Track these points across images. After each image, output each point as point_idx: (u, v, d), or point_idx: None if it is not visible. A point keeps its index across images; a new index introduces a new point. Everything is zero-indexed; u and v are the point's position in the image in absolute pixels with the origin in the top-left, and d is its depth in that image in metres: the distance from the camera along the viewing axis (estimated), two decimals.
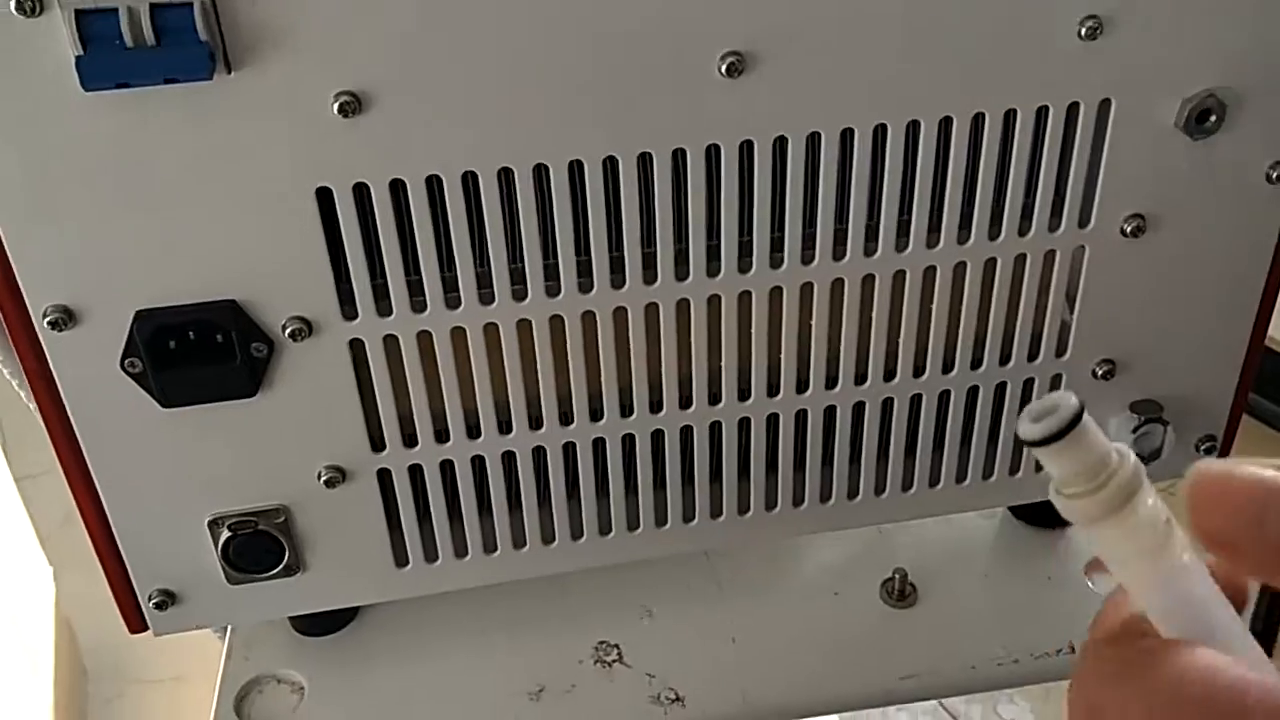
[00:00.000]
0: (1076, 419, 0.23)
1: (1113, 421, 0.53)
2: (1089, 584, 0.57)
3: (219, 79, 0.38)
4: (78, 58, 0.36)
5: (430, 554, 0.50)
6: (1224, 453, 0.55)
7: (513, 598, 0.56)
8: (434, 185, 0.42)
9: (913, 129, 0.44)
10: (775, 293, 0.47)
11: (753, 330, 0.47)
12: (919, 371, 0.50)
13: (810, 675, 0.52)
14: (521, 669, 0.53)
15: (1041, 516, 0.60)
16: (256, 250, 0.42)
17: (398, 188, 0.42)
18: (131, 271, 0.41)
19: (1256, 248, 0.49)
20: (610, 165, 0.43)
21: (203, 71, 0.37)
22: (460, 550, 0.51)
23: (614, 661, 0.53)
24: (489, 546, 0.51)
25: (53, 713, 1.24)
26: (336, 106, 0.39)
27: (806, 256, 0.46)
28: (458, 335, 0.45)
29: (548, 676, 0.53)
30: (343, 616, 0.56)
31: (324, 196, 0.41)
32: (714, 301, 0.46)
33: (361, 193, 0.41)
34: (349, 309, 0.44)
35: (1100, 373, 0.51)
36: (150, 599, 0.49)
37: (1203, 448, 0.54)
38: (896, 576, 0.56)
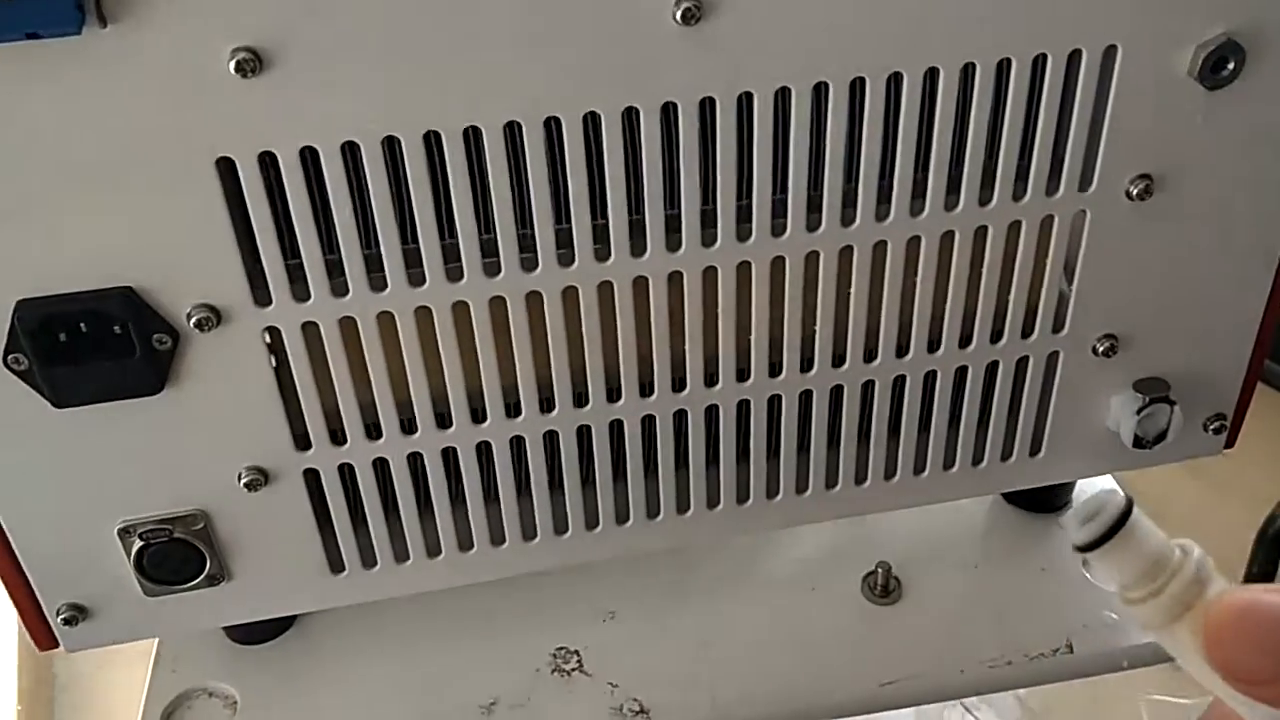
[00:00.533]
0: (1125, 516, 0.22)
1: (1115, 401, 0.48)
2: (1087, 575, 0.52)
3: (91, 33, 0.33)
4: None
5: (368, 559, 0.46)
6: (1234, 433, 0.51)
7: (463, 601, 0.51)
8: (351, 153, 0.37)
9: (893, 83, 0.39)
10: (743, 269, 0.42)
11: (719, 310, 0.43)
12: (902, 351, 0.45)
13: (785, 682, 0.48)
14: (473, 679, 0.49)
15: (1035, 501, 0.55)
16: (152, 230, 0.37)
17: (309, 156, 0.37)
18: (8, 256, 0.36)
19: (1272, 210, 0.45)
20: (553, 127, 0.38)
21: (70, 25, 0.32)
22: (400, 555, 0.46)
23: (573, 670, 0.49)
24: (432, 550, 0.46)
25: (18, 697, 1.20)
26: (233, 65, 0.34)
27: (776, 227, 0.41)
28: (385, 321, 0.40)
29: (501, 687, 0.49)
30: (279, 623, 0.51)
31: (227, 168, 0.36)
32: (675, 279, 0.42)
33: (268, 163, 0.36)
34: (261, 294, 0.39)
35: (1101, 349, 0.47)
36: (58, 614, 0.44)
37: (1211, 427, 0.50)
38: (879, 571, 0.52)
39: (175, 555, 0.44)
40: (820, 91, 0.39)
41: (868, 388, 0.46)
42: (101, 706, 1.24)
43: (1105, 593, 0.51)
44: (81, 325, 0.38)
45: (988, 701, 1.20)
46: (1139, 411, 0.47)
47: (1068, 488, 0.56)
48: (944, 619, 0.50)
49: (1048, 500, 0.55)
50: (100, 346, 0.38)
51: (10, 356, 0.38)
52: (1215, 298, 0.46)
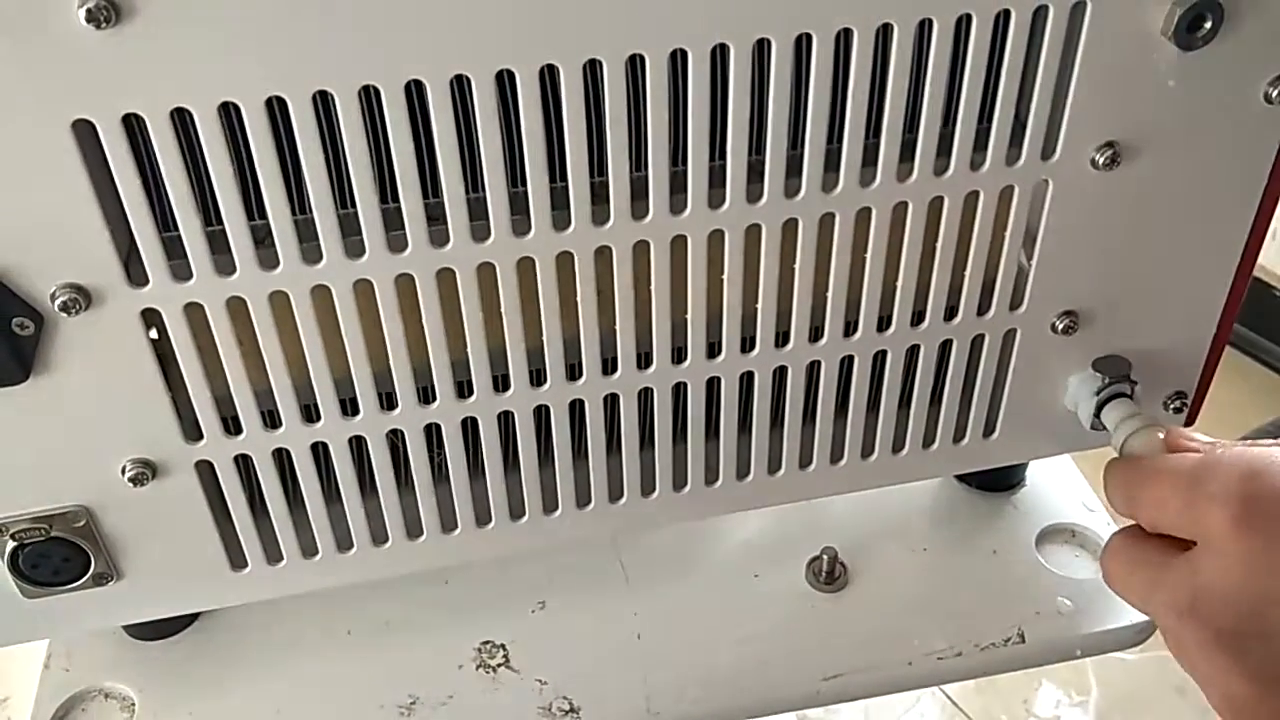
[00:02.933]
0: None
1: (1073, 380, 0.45)
2: (1039, 559, 0.50)
3: None
4: None
5: (272, 555, 0.42)
6: (1194, 411, 0.48)
7: (383, 591, 0.48)
8: (231, 114, 0.33)
9: (843, 40, 0.35)
10: (677, 243, 0.38)
11: (653, 287, 0.39)
12: (850, 329, 0.42)
13: (725, 676, 0.46)
14: (391, 677, 0.46)
15: (988, 480, 0.53)
16: (5, 203, 0.32)
17: (182, 119, 0.32)
18: None
19: (1245, 179, 0.42)
20: (459, 86, 0.33)
21: None
22: (308, 549, 0.42)
23: (499, 665, 0.46)
24: (343, 544, 0.43)
25: None
26: (84, 14, 0.29)
27: (714, 199, 0.37)
28: (279, 301, 0.36)
29: (421, 685, 0.46)
30: (181, 619, 0.48)
31: (87, 132, 0.32)
32: (603, 254, 0.38)
33: (134, 126, 0.32)
34: (137, 273, 0.35)
35: (1061, 326, 0.44)
36: None
37: (1172, 406, 0.48)
38: (825, 556, 0.49)
39: (55, 555, 0.40)
40: (762, 49, 0.35)
41: (813, 368, 0.43)
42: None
43: (1059, 577, 0.49)
44: None
45: None
46: (1098, 393, 0.45)
47: (1021, 466, 0.53)
48: (891, 607, 0.48)
49: (1000, 479, 0.53)
50: None
51: None
52: (1182, 272, 0.44)
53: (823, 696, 0.45)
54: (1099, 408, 0.45)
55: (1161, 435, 0.39)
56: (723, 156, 0.37)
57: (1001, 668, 0.47)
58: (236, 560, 0.42)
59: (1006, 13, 0.36)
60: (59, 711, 0.45)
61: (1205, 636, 0.33)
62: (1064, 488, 0.53)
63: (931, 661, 0.46)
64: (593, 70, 0.34)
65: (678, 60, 0.34)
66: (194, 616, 0.48)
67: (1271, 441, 0.35)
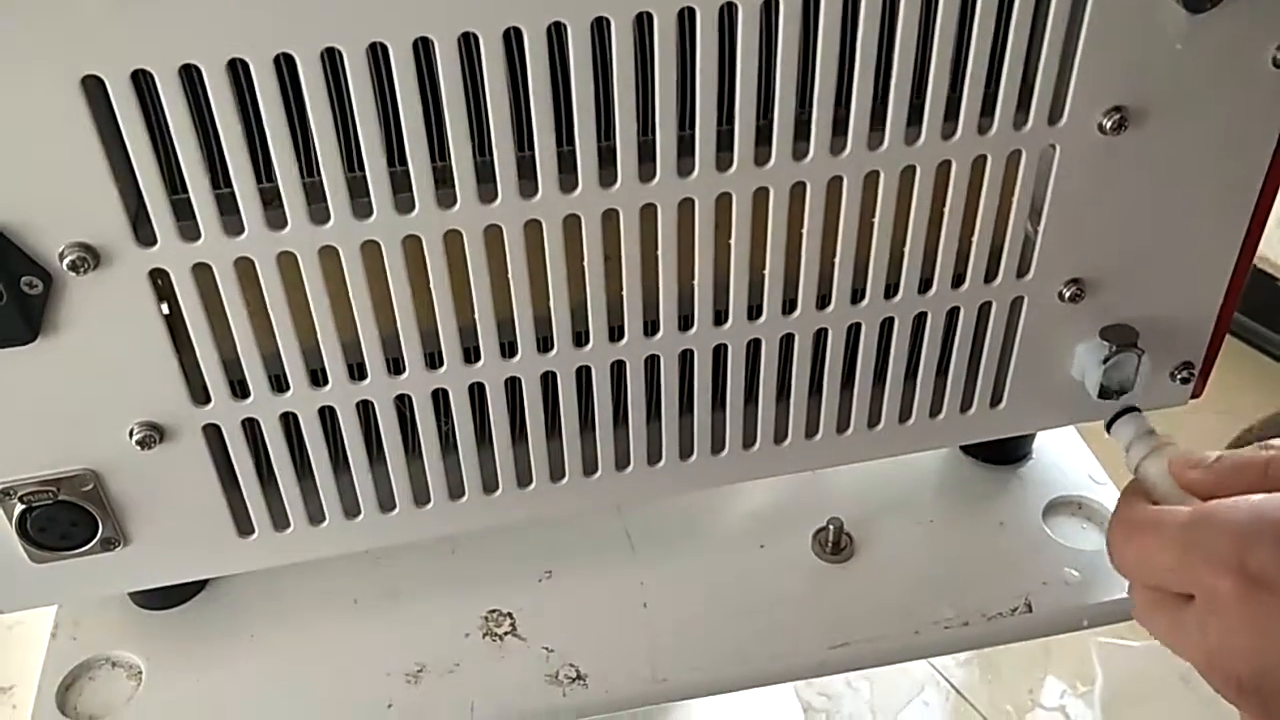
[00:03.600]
0: None
1: (1080, 349, 0.45)
2: (1046, 530, 0.50)
3: None
4: None
5: (279, 521, 0.42)
6: (1201, 383, 0.48)
7: (390, 559, 0.48)
8: (239, 72, 0.33)
9: (850, 1, 0.35)
10: (684, 206, 0.38)
11: (659, 251, 0.39)
12: (858, 296, 0.42)
13: (730, 645, 0.46)
14: (398, 645, 0.46)
15: (994, 453, 0.53)
16: (15, 161, 0.32)
17: (190, 76, 0.32)
18: None
19: (1253, 146, 0.42)
20: (467, 44, 0.33)
21: None
22: (315, 516, 0.42)
23: (506, 633, 0.46)
24: (350, 511, 0.43)
25: None
26: None
27: (722, 161, 0.37)
28: (287, 262, 0.36)
29: (428, 653, 0.46)
30: (189, 587, 0.48)
31: (96, 89, 0.32)
32: (610, 217, 0.38)
33: (143, 83, 0.32)
34: (145, 232, 0.35)
35: (1068, 295, 0.44)
36: None
37: (1179, 376, 0.47)
38: (831, 527, 0.49)
39: (63, 519, 0.40)
40: (769, 9, 0.35)
41: (820, 336, 0.43)
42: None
43: (1066, 549, 0.49)
44: None
45: None
46: (1105, 361, 0.45)
47: (1028, 439, 0.53)
48: (898, 577, 0.48)
49: (1007, 452, 0.53)
50: None
51: None
52: (1188, 240, 0.43)
53: (829, 665, 0.45)
54: (1106, 375, 0.45)
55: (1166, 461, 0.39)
56: (730, 121, 0.37)
57: (1008, 638, 0.47)
58: (244, 526, 0.42)
59: None
60: (66, 680, 0.45)
61: (1231, 689, 0.34)
62: (1071, 461, 0.53)
63: (939, 631, 0.46)
64: (600, 30, 0.34)
65: (685, 20, 0.34)
66: (200, 586, 0.48)
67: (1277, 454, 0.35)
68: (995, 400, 0.46)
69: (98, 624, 0.47)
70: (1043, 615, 0.47)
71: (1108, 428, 0.44)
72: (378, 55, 0.33)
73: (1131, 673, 1.03)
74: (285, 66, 0.33)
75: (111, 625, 0.47)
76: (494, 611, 0.47)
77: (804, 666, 0.45)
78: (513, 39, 0.33)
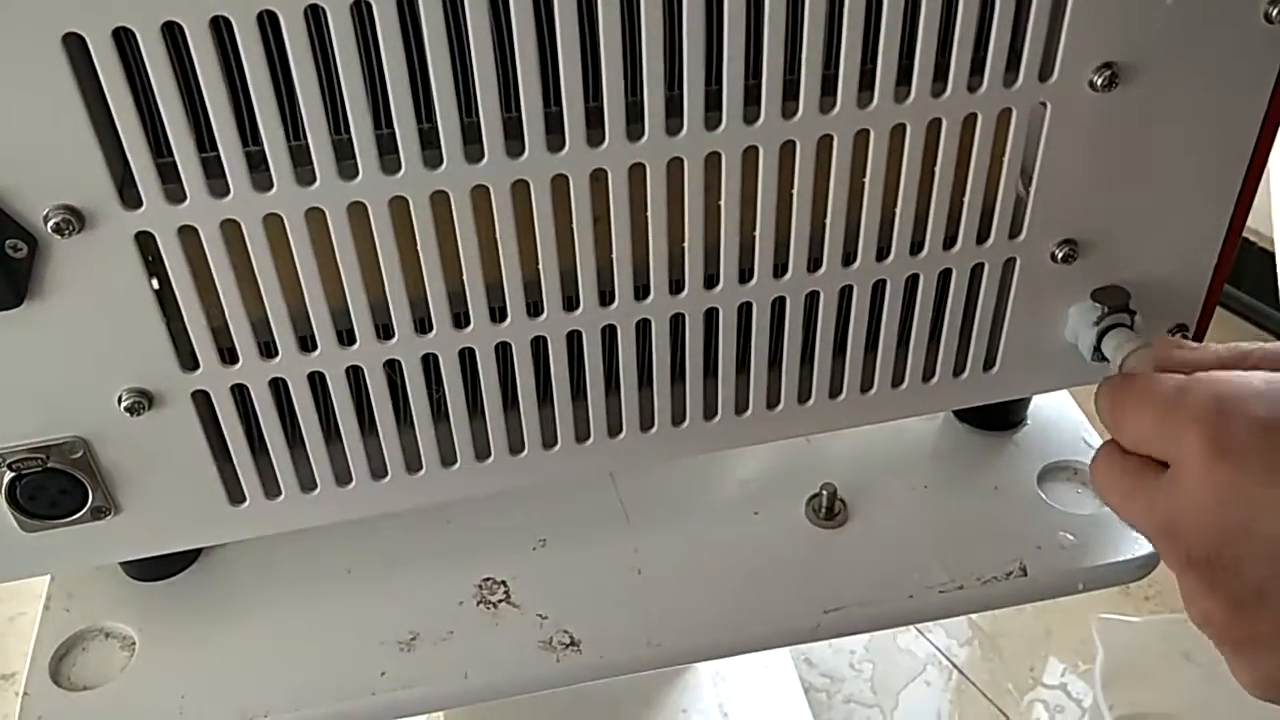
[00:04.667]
0: None
1: (1073, 312, 0.45)
2: (1040, 495, 0.50)
3: None
4: None
5: (270, 489, 0.42)
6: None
7: (382, 528, 0.48)
8: (224, 29, 0.32)
9: None
10: (674, 166, 0.38)
11: (648, 214, 0.39)
12: (849, 259, 0.42)
13: (724, 611, 0.46)
14: (391, 613, 0.46)
15: (988, 418, 0.53)
16: None
17: (173, 33, 0.32)
18: None
19: (1246, 102, 0.41)
20: (452, 2, 0.33)
21: None
22: (306, 484, 0.42)
23: (500, 601, 0.46)
24: (342, 478, 0.43)
25: None
26: None
27: (711, 120, 0.37)
28: (273, 224, 0.36)
29: (421, 621, 0.46)
30: (181, 558, 0.48)
31: (78, 46, 0.32)
32: (599, 178, 0.38)
33: (126, 40, 0.32)
34: (130, 194, 0.34)
35: (1060, 255, 0.43)
36: None
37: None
38: (824, 493, 0.49)
39: (52, 487, 0.40)
40: None
41: (811, 299, 0.43)
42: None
43: (1061, 513, 0.49)
44: None
45: (939, 623, 1.20)
46: (1097, 323, 0.44)
47: (1022, 404, 0.53)
48: (891, 542, 0.48)
49: (1002, 417, 0.53)
50: None
51: None
52: (1181, 199, 0.43)
53: (823, 630, 0.45)
54: (1099, 338, 0.44)
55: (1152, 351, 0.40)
56: (717, 82, 0.37)
57: (1003, 602, 0.46)
58: (235, 495, 0.42)
59: None
60: (60, 650, 0.45)
61: (1180, 559, 0.33)
62: (1065, 426, 0.53)
63: (933, 595, 0.46)
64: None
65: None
66: (193, 557, 0.48)
67: (1261, 350, 0.35)
68: (989, 364, 0.46)
69: (91, 595, 0.47)
70: (1038, 579, 0.47)
71: (1096, 344, 0.44)
72: (361, 13, 0.33)
73: (1132, 649, 1.03)
74: (269, 25, 0.32)
75: (104, 597, 0.47)
76: (488, 580, 0.47)
77: (798, 631, 0.45)
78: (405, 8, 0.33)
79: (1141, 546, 0.48)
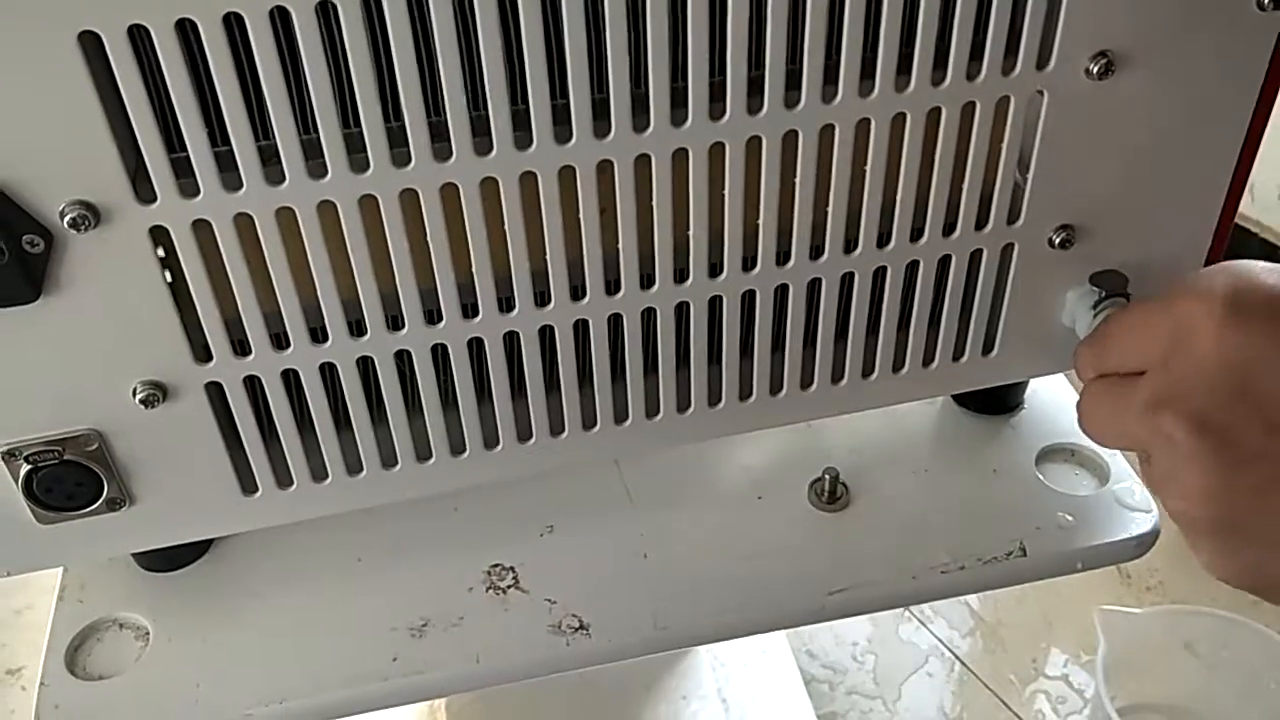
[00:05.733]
0: None
1: (1070, 296, 0.46)
2: (1039, 477, 0.51)
3: None
4: None
5: (282, 479, 0.43)
6: None
7: (391, 518, 0.49)
8: (235, 24, 0.33)
9: None
10: (678, 157, 0.38)
11: (654, 203, 0.39)
12: (851, 246, 0.43)
13: (731, 593, 0.46)
14: (402, 600, 0.46)
15: (987, 402, 0.53)
16: (13, 119, 0.33)
17: (187, 30, 0.32)
18: None
19: (1239, 89, 0.42)
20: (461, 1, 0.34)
21: None
22: (318, 473, 0.43)
23: (509, 587, 0.47)
24: (352, 468, 0.43)
25: None
26: None
27: (715, 111, 0.38)
28: (286, 218, 0.36)
29: (432, 607, 0.46)
30: (193, 549, 0.48)
31: (93, 44, 0.32)
32: (605, 168, 0.38)
33: (140, 38, 0.32)
34: (145, 189, 0.35)
35: (1058, 241, 0.44)
36: None
37: None
38: (826, 477, 0.50)
39: (68, 479, 0.40)
40: None
41: (814, 286, 0.44)
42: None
43: (1059, 494, 0.50)
44: None
45: (941, 615, 1.21)
46: (1095, 306, 0.45)
47: (1020, 388, 0.54)
48: (894, 525, 0.49)
49: (999, 401, 0.53)
50: None
51: None
52: (1176, 185, 0.44)
53: (827, 611, 0.46)
54: (1094, 322, 0.45)
55: None
56: (723, 72, 0.37)
57: (1004, 581, 0.47)
58: (247, 485, 0.43)
59: None
60: (74, 641, 0.46)
61: (1183, 426, 0.34)
62: (1062, 409, 0.54)
63: (935, 575, 0.47)
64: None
65: None
66: (204, 549, 0.49)
67: None
68: (987, 348, 0.47)
69: (104, 587, 0.47)
70: (1037, 558, 0.48)
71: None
72: (371, 9, 0.33)
73: (1133, 640, 1.04)
74: (280, 20, 0.33)
75: (117, 588, 0.47)
76: (497, 566, 0.48)
77: (802, 613, 0.46)
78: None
79: (1139, 525, 0.49)
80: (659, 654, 0.46)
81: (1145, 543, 0.48)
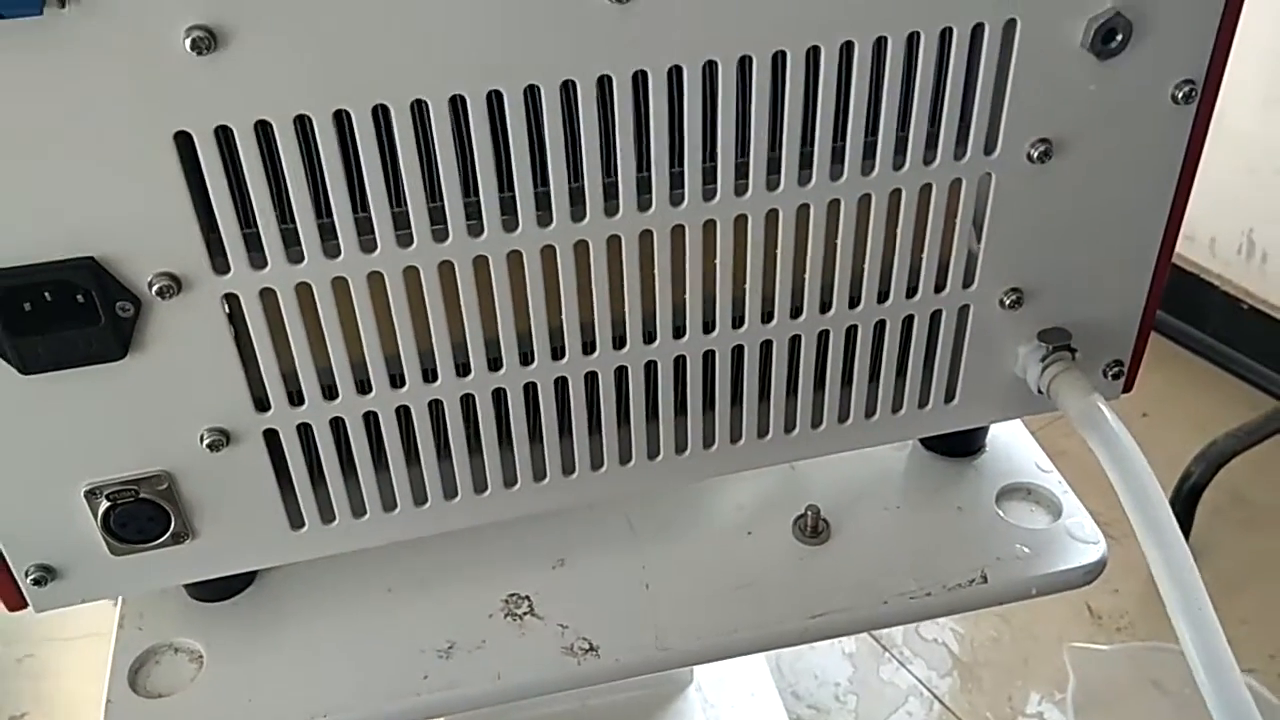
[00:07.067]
0: None
1: (1021, 350, 0.52)
2: (998, 513, 0.57)
3: (51, 13, 0.34)
4: None
5: (326, 514, 0.48)
6: (1130, 378, 0.55)
7: (418, 552, 0.54)
8: (304, 125, 0.39)
9: (813, 56, 0.42)
10: (677, 232, 0.45)
11: (655, 271, 0.45)
12: (826, 307, 0.49)
13: (724, 617, 0.52)
14: (430, 626, 0.52)
15: (951, 446, 0.59)
16: (113, 202, 0.39)
17: (263, 129, 0.39)
18: None
19: (1162, 168, 0.49)
20: (495, 99, 0.40)
21: (32, 6, 0.34)
22: (358, 510, 0.48)
23: (525, 614, 0.52)
24: (388, 504, 0.49)
25: None
26: (189, 42, 0.36)
27: (708, 193, 0.44)
28: (339, 286, 0.42)
29: (457, 632, 0.51)
30: (240, 580, 0.53)
31: (184, 142, 0.38)
32: (613, 243, 0.44)
33: (224, 136, 0.38)
34: (220, 262, 0.41)
35: (1008, 302, 0.50)
36: (27, 575, 0.46)
37: (1110, 373, 0.54)
38: (809, 513, 0.55)
39: (141, 515, 0.45)
40: (744, 65, 0.41)
41: (795, 342, 0.49)
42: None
43: (1017, 528, 0.56)
44: (46, 295, 0.40)
45: (920, 655, 1.26)
46: (1043, 360, 0.51)
47: (981, 433, 0.60)
48: (869, 556, 0.54)
49: (963, 444, 0.59)
50: (65, 315, 0.40)
51: None
52: (1112, 249, 0.50)
53: (809, 633, 0.51)
54: (1044, 373, 0.51)
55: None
56: (713, 159, 0.43)
57: (966, 605, 0.53)
58: (295, 520, 0.48)
59: (950, 29, 0.43)
60: (135, 663, 0.51)
61: None
62: (1020, 452, 0.60)
63: (904, 601, 0.52)
64: (603, 87, 0.41)
65: (671, 79, 0.41)
66: (249, 580, 0.54)
67: None
68: (949, 396, 0.53)
69: (160, 615, 0.52)
70: (997, 585, 0.53)
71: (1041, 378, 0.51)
72: (416, 116, 0.40)
73: (1102, 676, 1.08)
74: (344, 121, 0.39)
75: (172, 616, 0.52)
76: (513, 595, 0.53)
77: (788, 634, 0.51)
78: (529, 97, 0.40)
79: (1088, 556, 0.54)
80: (652, 694, 0.51)
81: (1094, 571, 0.54)
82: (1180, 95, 0.46)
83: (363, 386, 0.45)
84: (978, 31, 0.43)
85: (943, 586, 0.53)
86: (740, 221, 0.45)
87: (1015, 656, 1.27)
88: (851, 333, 0.50)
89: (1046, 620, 1.31)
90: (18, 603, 0.47)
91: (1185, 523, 1.31)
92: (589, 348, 0.47)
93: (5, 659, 1.33)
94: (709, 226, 0.45)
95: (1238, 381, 1.61)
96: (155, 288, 0.40)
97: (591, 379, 0.48)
